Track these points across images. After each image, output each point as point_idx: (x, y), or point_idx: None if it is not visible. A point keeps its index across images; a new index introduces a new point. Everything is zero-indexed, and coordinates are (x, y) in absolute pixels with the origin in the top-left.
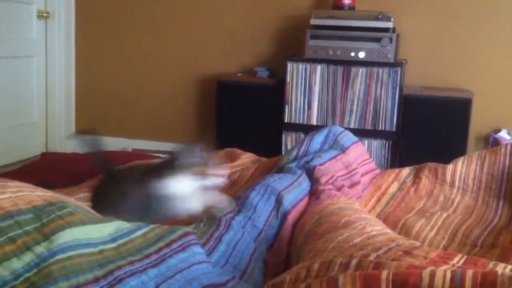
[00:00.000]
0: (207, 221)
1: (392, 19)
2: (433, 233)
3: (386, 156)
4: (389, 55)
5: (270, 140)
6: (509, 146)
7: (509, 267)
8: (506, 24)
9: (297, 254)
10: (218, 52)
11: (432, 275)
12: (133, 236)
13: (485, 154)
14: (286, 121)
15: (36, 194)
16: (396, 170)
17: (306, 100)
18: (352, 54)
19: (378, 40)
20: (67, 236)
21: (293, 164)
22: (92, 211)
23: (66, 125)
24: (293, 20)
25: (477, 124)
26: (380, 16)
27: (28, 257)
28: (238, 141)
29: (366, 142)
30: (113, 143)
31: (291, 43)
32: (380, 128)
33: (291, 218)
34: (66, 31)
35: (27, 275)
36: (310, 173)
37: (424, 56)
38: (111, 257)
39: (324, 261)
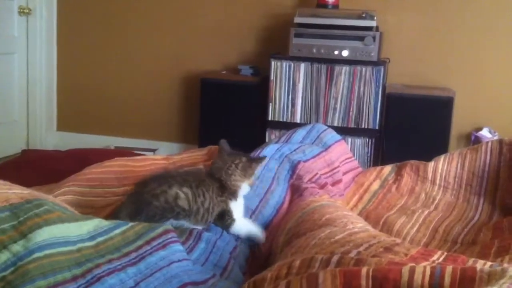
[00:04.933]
0: None
1: (375, 18)
2: (414, 230)
3: (369, 154)
4: (372, 54)
5: (254, 138)
6: (489, 144)
7: (488, 263)
8: (488, 23)
9: (280, 251)
10: (201, 49)
11: (412, 271)
12: (112, 234)
13: (466, 152)
14: (270, 119)
15: (13, 192)
16: (378, 168)
17: (290, 98)
18: (336, 52)
19: (361, 38)
20: (44, 234)
21: (273, 151)
22: (70, 208)
23: (47, 122)
24: (277, 18)
25: (459, 122)
26: (364, 15)
27: (4, 256)
28: (221, 139)
29: (349, 140)
30: (95, 141)
31: (275, 41)
32: (363, 126)
33: (274, 218)
34: (48, 28)
35: (3, 274)
36: (293, 167)
37: (407, 55)
38: (90, 256)
39: (305, 258)
